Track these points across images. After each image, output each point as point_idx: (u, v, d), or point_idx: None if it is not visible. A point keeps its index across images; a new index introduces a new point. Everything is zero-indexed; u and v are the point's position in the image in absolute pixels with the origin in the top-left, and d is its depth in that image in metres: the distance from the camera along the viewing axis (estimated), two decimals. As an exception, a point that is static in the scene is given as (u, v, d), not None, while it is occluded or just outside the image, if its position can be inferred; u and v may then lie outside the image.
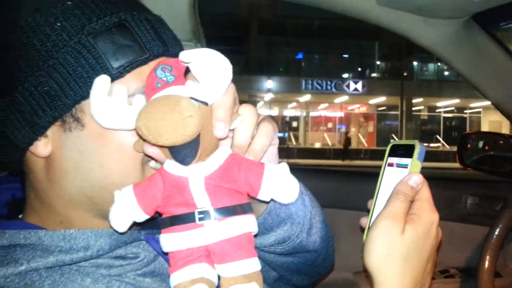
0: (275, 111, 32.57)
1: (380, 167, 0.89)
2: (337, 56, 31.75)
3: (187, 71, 0.70)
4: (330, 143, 31.24)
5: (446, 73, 30.47)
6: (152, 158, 0.75)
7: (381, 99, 30.63)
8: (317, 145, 32.07)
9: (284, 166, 0.72)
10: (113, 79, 0.73)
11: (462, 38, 1.55)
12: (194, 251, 0.68)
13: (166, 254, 0.71)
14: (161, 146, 0.66)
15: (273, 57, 30.85)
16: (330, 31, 27.31)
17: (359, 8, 1.51)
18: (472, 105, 31.25)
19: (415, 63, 31.25)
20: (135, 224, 0.71)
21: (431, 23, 1.49)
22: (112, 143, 0.76)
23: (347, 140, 28.06)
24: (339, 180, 2.12)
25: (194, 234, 0.67)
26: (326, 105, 33.14)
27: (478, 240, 1.85)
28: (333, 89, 29.00)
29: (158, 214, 0.72)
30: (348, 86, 28.88)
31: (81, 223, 0.81)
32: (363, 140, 32.85)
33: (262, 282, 0.70)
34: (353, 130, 33.77)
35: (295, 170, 0.75)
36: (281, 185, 0.70)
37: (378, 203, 0.86)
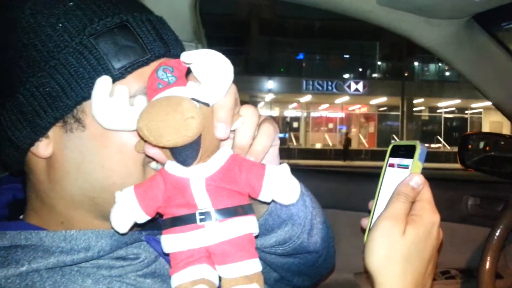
0: (275, 112, 32.58)
1: (381, 167, 0.89)
2: (338, 57, 31.75)
3: (189, 72, 0.70)
4: (331, 144, 31.22)
5: (447, 73, 30.45)
6: (153, 159, 0.75)
7: (382, 99, 30.62)
8: (318, 145, 32.06)
9: (285, 167, 0.72)
10: (114, 80, 0.73)
11: (463, 38, 1.55)
12: (195, 252, 0.68)
13: (167, 255, 0.71)
14: (162, 147, 0.66)
15: (273, 57, 30.87)
16: (330, 31, 27.33)
17: (360, 8, 1.51)
18: (473, 105, 31.22)
19: (416, 63, 31.24)
20: (136, 225, 0.71)
21: (432, 23, 1.49)
22: (113, 144, 0.76)
23: (347, 141, 28.05)
24: (340, 180, 2.12)
25: (195, 235, 0.67)
26: (327, 105, 33.14)
27: (479, 241, 1.85)
28: (334, 90, 28.99)
29: (159, 215, 0.72)
30: (349, 86, 28.87)
31: (82, 224, 0.81)
32: (363, 140, 32.84)
33: (263, 283, 0.70)
34: (354, 130, 33.76)
35: (296, 170, 0.75)
36: (282, 186, 0.70)
37: (379, 204, 0.86)
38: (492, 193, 1.96)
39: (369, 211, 0.88)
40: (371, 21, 1.56)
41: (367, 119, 34.22)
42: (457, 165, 1.99)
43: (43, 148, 0.77)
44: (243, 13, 27.58)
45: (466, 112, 33.31)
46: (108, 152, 0.76)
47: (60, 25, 0.73)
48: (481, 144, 2.00)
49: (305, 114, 33.78)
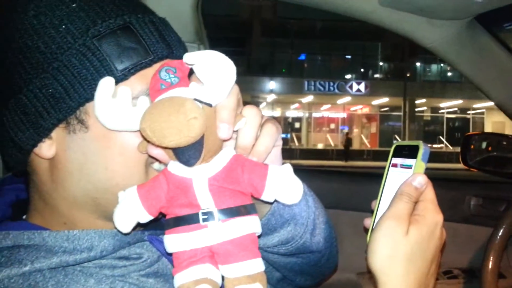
0: (277, 112, 32.55)
1: (383, 168, 0.89)
2: (339, 57, 31.71)
3: (191, 72, 0.70)
4: (332, 144, 31.17)
5: (449, 74, 30.40)
6: (156, 160, 0.75)
7: (384, 100, 30.57)
8: (320, 146, 32.02)
9: (288, 167, 0.72)
10: (117, 81, 0.73)
11: (465, 39, 1.55)
12: (198, 251, 0.68)
13: (170, 254, 0.71)
14: (165, 148, 0.67)
15: (275, 58, 30.87)
16: (332, 32, 27.30)
17: (361, 9, 1.51)
18: (475, 106, 31.14)
19: (418, 64, 31.21)
20: (138, 225, 0.72)
21: (434, 24, 1.48)
22: (115, 145, 0.76)
23: (348, 141, 28.01)
24: (343, 181, 2.12)
25: (198, 235, 0.68)
26: (328, 106, 33.09)
27: (482, 241, 1.84)
28: (336, 90, 28.94)
29: (162, 215, 0.73)
30: (350, 87, 28.82)
31: (85, 224, 0.81)
32: (365, 141, 32.79)
33: (266, 283, 0.70)
34: (356, 131, 33.72)
35: (298, 171, 0.75)
36: (284, 186, 0.70)
37: (382, 204, 0.86)
38: (494, 193, 1.96)
39: (371, 211, 0.88)
40: (372, 22, 1.56)
41: (369, 119, 34.16)
42: (460, 165, 1.98)
43: (46, 149, 0.78)
44: (245, 14, 27.58)
45: (468, 112, 33.23)
46: (111, 153, 0.77)
47: (63, 26, 0.74)
48: (484, 144, 1.99)
49: (307, 115, 33.74)
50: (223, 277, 0.70)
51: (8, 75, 0.76)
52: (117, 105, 0.71)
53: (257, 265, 0.69)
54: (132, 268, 0.82)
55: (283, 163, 0.77)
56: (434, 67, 31.78)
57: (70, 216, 0.82)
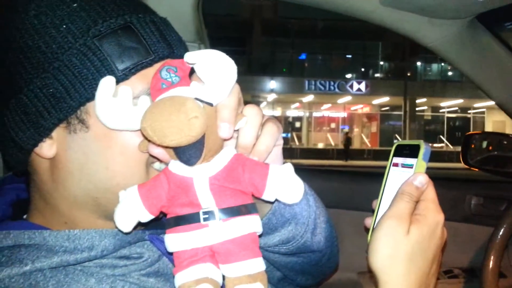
0: (278, 112, 32.55)
1: (383, 167, 0.89)
2: (340, 57, 31.71)
3: (192, 72, 0.70)
4: (333, 144, 31.17)
5: (449, 73, 30.40)
6: (157, 159, 0.75)
7: (385, 99, 30.57)
8: (320, 145, 32.02)
9: (289, 167, 0.72)
10: (118, 81, 0.73)
11: (466, 38, 1.54)
12: (198, 251, 0.68)
13: (171, 254, 0.71)
14: (166, 147, 0.67)
15: (276, 57, 30.87)
16: (333, 31, 27.29)
17: (362, 8, 1.50)
18: (475, 105, 31.13)
19: (418, 63, 31.21)
20: (139, 224, 0.72)
21: (435, 23, 1.48)
22: (116, 145, 0.76)
23: (347, 140, 28.00)
24: (343, 180, 2.12)
25: (199, 234, 0.68)
26: (329, 105, 33.09)
27: (482, 240, 1.84)
28: (336, 90, 28.94)
29: (162, 214, 0.73)
30: (351, 86, 28.82)
31: (85, 224, 0.81)
32: (366, 140, 32.79)
33: (266, 282, 0.70)
34: (356, 130, 33.73)
35: (299, 170, 0.75)
36: (285, 186, 0.70)
37: (383, 203, 0.86)
38: (495, 192, 1.96)
39: (372, 211, 0.88)
40: (373, 21, 1.56)
41: (369, 119, 34.16)
42: (460, 165, 1.98)
43: (46, 148, 0.78)
44: (245, 14, 27.60)
45: (469, 111, 33.22)
46: (111, 153, 0.77)
47: (64, 26, 0.74)
48: (484, 144, 1.99)
49: (307, 114, 33.75)
50: (224, 277, 0.70)
51: (9, 75, 0.76)
52: (118, 104, 0.71)
53: (258, 265, 0.70)
54: (132, 268, 0.82)
55: (283, 163, 0.77)
56: (434, 66, 31.78)
57: (71, 216, 0.82)
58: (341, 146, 29.00)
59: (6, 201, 0.91)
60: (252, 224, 0.70)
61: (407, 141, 0.87)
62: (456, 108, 33.37)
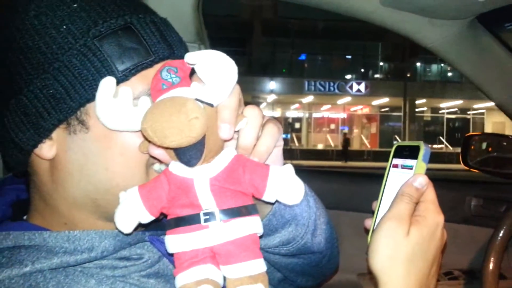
0: (277, 113, 32.53)
1: (383, 168, 0.89)
2: (340, 57, 31.70)
3: (193, 72, 0.70)
4: (332, 145, 31.15)
5: (449, 74, 30.40)
6: (157, 160, 0.75)
7: (384, 100, 30.57)
8: (320, 146, 32.01)
9: (289, 168, 0.72)
10: (118, 82, 0.73)
11: (466, 39, 1.55)
12: (199, 252, 0.68)
13: (171, 255, 0.71)
14: (167, 148, 0.67)
15: (276, 58, 30.86)
16: (333, 32, 27.27)
17: (362, 8, 1.50)
18: (475, 106, 31.15)
19: (418, 64, 31.20)
20: (140, 225, 0.72)
21: (435, 23, 1.48)
22: (116, 146, 0.76)
23: (346, 141, 28.00)
24: (343, 181, 2.12)
25: (199, 235, 0.68)
26: (329, 106, 33.08)
27: (482, 242, 1.84)
28: (336, 90, 28.92)
29: (163, 215, 0.73)
30: (351, 87, 28.81)
31: (85, 225, 0.81)
32: (365, 141, 32.79)
33: (267, 283, 0.70)
34: (356, 131, 33.72)
35: (298, 171, 0.75)
36: (286, 187, 0.70)
37: (383, 204, 0.85)
38: (495, 193, 1.96)
39: (372, 212, 0.88)
40: (373, 22, 1.56)
41: (369, 120, 34.15)
42: (460, 166, 1.98)
43: (46, 149, 0.78)
44: (245, 14, 27.58)
45: (469, 112, 33.24)
46: (111, 154, 0.77)
47: (64, 27, 0.74)
48: (484, 145, 1.99)
49: (307, 115, 33.73)
50: (224, 278, 0.70)
51: (9, 76, 0.76)
52: (118, 105, 0.71)
53: (259, 266, 0.69)
54: (132, 269, 0.82)
55: (284, 164, 0.77)
56: (434, 67, 31.78)
57: (71, 217, 0.82)
58: (341, 147, 29.00)
59: (6, 202, 0.91)
60: (252, 225, 0.70)
61: (407, 142, 0.87)
62: (456, 109, 33.38)
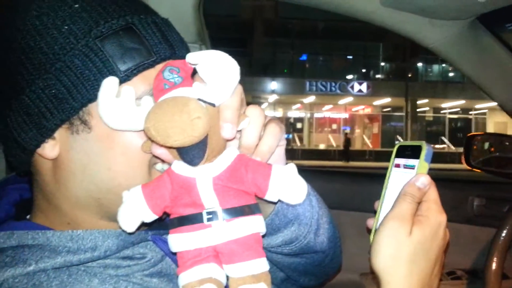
0: (279, 113, 32.52)
1: (384, 168, 0.89)
2: (341, 58, 31.67)
3: (194, 72, 0.70)
4: (334, 145, 31.11)
5: (451, 74, 30.36)
6: (160, 159, 0.75)
7: (386, 100, 30.54)
8: (322, 146, 31.97)
9: (292, 167, 0.72)
10: (120, 82, 0.73)
11: (467, 39, 1.54)
12: (202, 251, 0.68)
13: (174, 254, 0.72)
14: (169, 147, 0.67)
15: (277, 58, 30.87)
16: (334, 32, 27.26)
17: (363, 9, 1.50)
18: (477, 106, 31.10)
19: (419, 64, 31.17)
20: (143, 224, 0.72)
21: (436, 24, 1.48)
22: (118, 145, 0.76)
23: (347, 141, 27.97)
24: (345, 181, 2.12)
25: (202, 234, 0.68)
26: (330, 106, 33.07)
27: (485, 241, 1.84)
28: (338, 91, 28.91)
29: (166, 214, 0.73)
30: (352, 87, 28.79)
31: (88, 224, 0.81)
32: (367, 141, 32.76)
33: (270, 283, 0.70)
34: (357, 131, 33.68)
35: (300, 171, 0.75)
36: (288, 186, 0.70)
37: (385, 204, 0.86)
38: (497, 193, 1.96)
39: (374, 212, 0.88)
40: (374, 22, 1.56)
41: (371, 120, 34.11)
42: (462, 166, 1.98)
43: (49, 149, 0.78)
44: (246, 15, 27.60)
45: (471, 112, 33.17)
46: (113, 154, 0.77)
47: (66, 27, 0.74)
48: (486, 145, 1.99)
49: (308, 115, 33.70)
50: (227, 277, 0.70)
51: (11, 76, 0.76)
52: (121, 105, 0.71)
53: (262, 265, 0.70)
54: (135, 268, 0.82)
55: (286, 163, 0.77)
56: (436, 67, 31.74)
57: (73, 216, 0.82)
58: (342, 147, 28.97)
59: (10, 201, 0.91)
60: (255, 224, 0.70)
61: (409, 142, 0.87)
62: (458, 109, 33.33)
